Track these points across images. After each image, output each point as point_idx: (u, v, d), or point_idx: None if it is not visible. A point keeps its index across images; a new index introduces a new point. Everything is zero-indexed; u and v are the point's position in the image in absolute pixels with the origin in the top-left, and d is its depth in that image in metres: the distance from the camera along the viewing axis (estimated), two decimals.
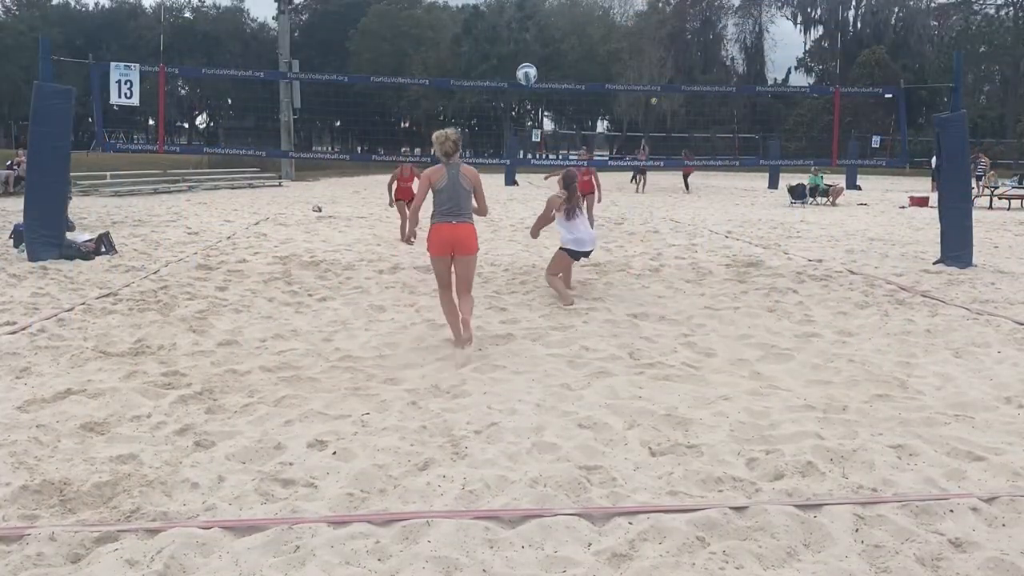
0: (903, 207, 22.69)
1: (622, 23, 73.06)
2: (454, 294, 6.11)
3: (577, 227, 8.00)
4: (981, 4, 62.24)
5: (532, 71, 11.47)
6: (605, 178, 41.47)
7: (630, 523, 3.22)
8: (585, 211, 8.37)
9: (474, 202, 6.17)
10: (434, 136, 6.03)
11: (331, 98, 39.01)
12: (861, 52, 61.86)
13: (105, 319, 6.74)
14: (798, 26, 72.44)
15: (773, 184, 33.14)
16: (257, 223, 15.66)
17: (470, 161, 9.12)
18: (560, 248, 8.05)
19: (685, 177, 31.53)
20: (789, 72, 72.71)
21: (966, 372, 5.52)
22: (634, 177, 32.02)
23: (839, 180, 27.56)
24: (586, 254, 8.26)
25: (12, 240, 10.85)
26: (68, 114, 9.87)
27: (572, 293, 8.10)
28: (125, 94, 9.84)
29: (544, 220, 8.10)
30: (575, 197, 7.99)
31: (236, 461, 3.84)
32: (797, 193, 23.99)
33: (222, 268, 9.69)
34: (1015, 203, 22.48)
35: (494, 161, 34.17)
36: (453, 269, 6.06)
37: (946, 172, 10.56)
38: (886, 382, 5.26)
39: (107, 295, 7.77)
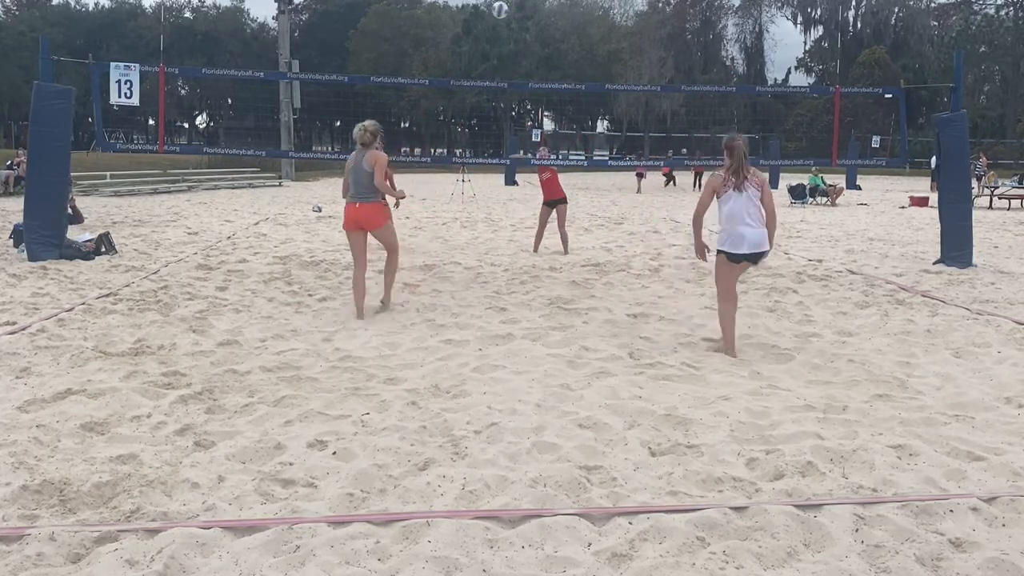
0: (903, 207, 22.69)
1: (622, 23, 73.07)
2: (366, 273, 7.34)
3: (733, 215, 5.81)
4: (981, 4, 62.28)
5: (504, 5, 11.43)
6: (605, 178, 41.53)
7: (630, 523, 3.22)
8: (753, 190, 5.81)
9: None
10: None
11: (331, 98, 39.08)
12: (861, 52, 61.93)
13: (105, 319, 6.74)
14: (798, 26, 72.58)
15: (773, 184, 33.09)
16: (257, 223, 15.66)
17: (469, 161, 9.30)
18: (717, 250, 6.01)
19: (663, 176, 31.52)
20: (789, 72, 72.87)
21: (966, 372, 5.52)
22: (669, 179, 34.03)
23: (839, 180, 27.58)
24: (751, 259, 5.88)
25: (12, 240, 10.85)
26: (68, 114, 9.86)
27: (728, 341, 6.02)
28: (125, 94, 9.84)
29: (703, 205, 6.04)
30: (740, 168, 5.82)
31: (236, 461, 3.83)
32: (797, 193, 24.00)
33: (222, 268, 9.69)
34: (1015, 203, 22.48)
35: (494, 161, 34.19)
36: (375, 240, 7.29)
37: (946, 172, 10.56)
38: (886, 382, 5.26)
39: (107, 295, 7.77)
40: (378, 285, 7.82)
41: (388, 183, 7.35)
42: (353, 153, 7.08)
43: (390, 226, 7.39)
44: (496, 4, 10.93)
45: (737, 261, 5.91)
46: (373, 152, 6.96)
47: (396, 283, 8.80)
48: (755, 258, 5.92)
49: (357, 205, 6.98)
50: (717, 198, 5.94)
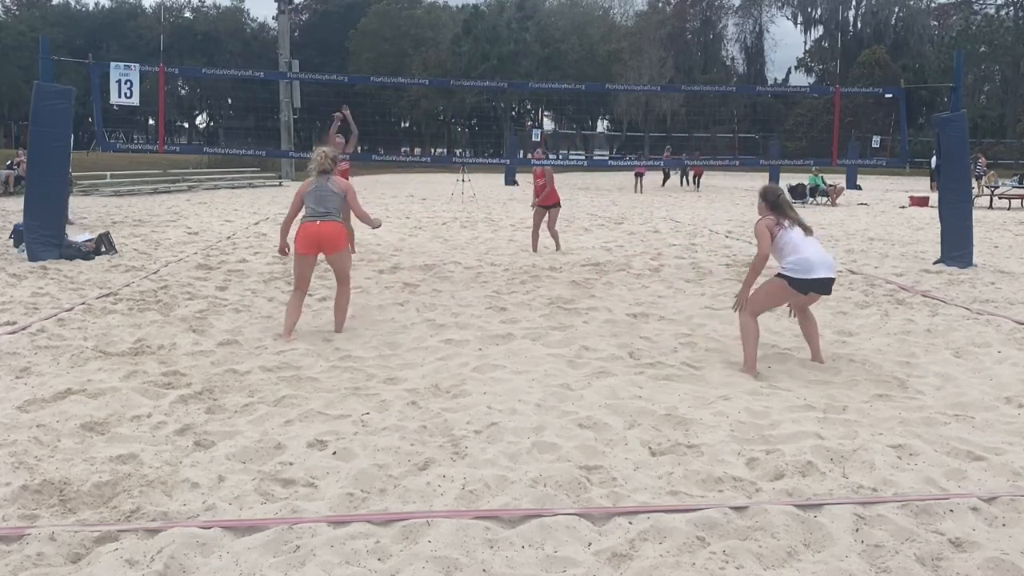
0: (903, 207, 22.70)
1: (622, 23, 73.07)
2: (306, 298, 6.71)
3: (798, 245, 5.43)
4: (981, 4, 62.27)
5: None
6: (605, 178, 41.53)
7: (630, 523, 3.22)
8: (802, 225, 5.58)
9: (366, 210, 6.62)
10: (313, 154, 6.49)
11: (331, 98, 39.04)
12: (861, 52, 61.92)
13: (105, 319, 6.74)
14: (798, 26, 72.56)
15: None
16: (257, 223, 15.66)
17: (469, 161, 9.15)
18: (778, 274, 5.52)
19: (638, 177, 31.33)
20: (789, 72, 72.85)
21: (966, 372, 5.52)
22: (683, 177, 34.42)
23: (839, 180, 27.59)
24: (820, 285, 5.43)
25: (12, 240, 10.85)
26: (68, 114, 9.87)
27: (816, 361, 5.71)
28: (125, 94, 9.85)
29: (762, 260, 5.49)
30: (786, 212, 5.59)
31: (236, 461, 3.83)
32: (797, 193, 24.01)
33: (222, 268, 9.69)
34: (1015, 203, 22.49)
35: (494, 161, 34.17)
36: (330, 266, 6.59)
37: (946, 172, 10.57)
38: (886, 382, 5.26)
39: (107, 295, 7.77)
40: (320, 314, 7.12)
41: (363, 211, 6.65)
42: (307, 180, 6.45)
43: (349, 251, 6.59)
44: None
45: (804, 291, 5.44)
46: (338, 177, 6.47)
47: (396, 283, 8.82)
48: (824, 286, 5.46)
49: (318, 223, 6.26)
50: (772, 239, 5.53)
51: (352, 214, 6.72)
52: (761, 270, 5.55)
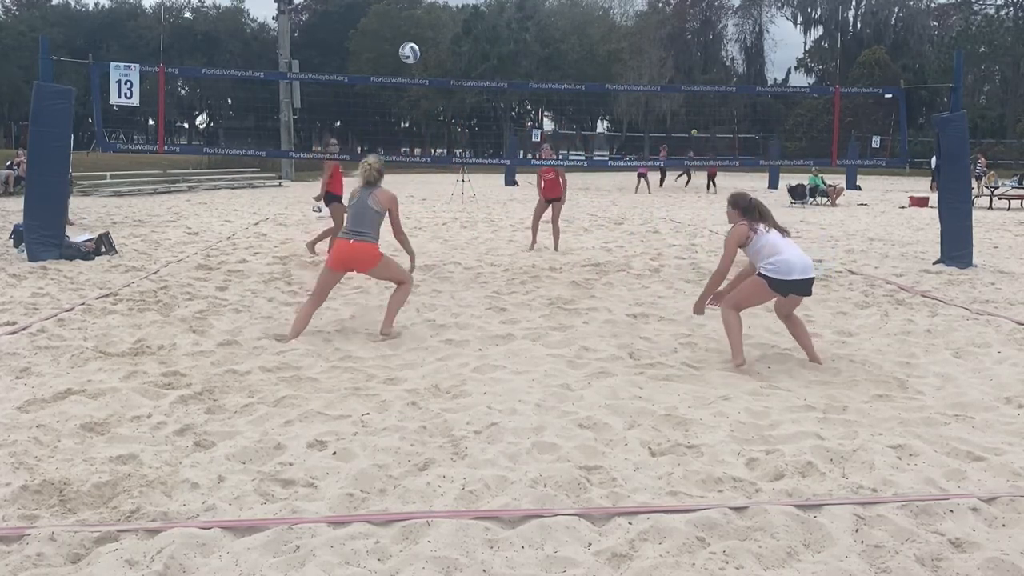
0: (903, 207, 22.70)
1: (622, 23, 73.09)
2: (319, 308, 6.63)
3: (777, 246, 5.47)
4: (981, 4, 62.31)
5: (411, 52, 11.43)
6: (606, 178, 41.53)
7: (630, 523, 3.22)
8: (778, 228, 5.67)
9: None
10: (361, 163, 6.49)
11: (331, 98, 39.11)
12: (861, 52, 61.95)
13: (105, 319, 6.73)
14: (798, 26, 72.60)
15: (773, 184, 33.15)
16: (257, 223, 15.66)
17: (469, 161, 9.06)
18: (758, 274, 5.53)
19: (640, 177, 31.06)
20: (789, 72, 72.92)
21: (966, 372, 5.53)
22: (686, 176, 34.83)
23: (839, 180, 27.58)
24: (800, 286, 5.46)
25: (12, 240, 10.85)
26: (68, 114, 9.87)
27: (811, 359, 5.70)
28: (125, 94, 9.84)
29: (727, 263, 5.61)
30: (760, 216, 5.63)
31: (236, 461, 3.83)
32: (797, 193, 24.01)
33: (222, 268, 9.69)
34: (1015, 203, 22.49)
35: (494, 161, 34.19)
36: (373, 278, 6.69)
37: (946, 172, 10.56)
38: (886, 382, 5.26)
39: (107, 295, 7.76)
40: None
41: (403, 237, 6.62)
42: (355, 188, 6.43)
43: (388, 261, 6.41)
44: (407, 51, 11.23)
45: (783, 293, 5.46)
46: (383, 190, 6.32)
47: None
48: (805, 287, 5.48)
49: (351, 242, 6.21)
50: (743, 248, 5.57)
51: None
52: (722, 281, 5.67)
